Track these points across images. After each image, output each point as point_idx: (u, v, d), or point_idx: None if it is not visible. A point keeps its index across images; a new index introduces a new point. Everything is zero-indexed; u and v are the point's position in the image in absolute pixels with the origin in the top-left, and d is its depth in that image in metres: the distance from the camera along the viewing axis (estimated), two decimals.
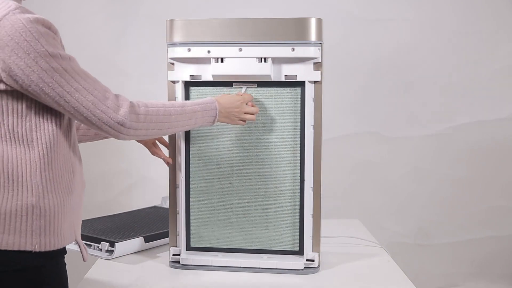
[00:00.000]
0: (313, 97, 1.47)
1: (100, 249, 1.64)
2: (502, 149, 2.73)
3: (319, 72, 1.46)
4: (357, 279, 1.46)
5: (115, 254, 1.61)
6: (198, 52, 1.46)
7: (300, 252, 1.54)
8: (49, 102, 1.10)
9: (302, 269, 1.49)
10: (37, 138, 1.12)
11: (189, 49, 1.46)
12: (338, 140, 2.71)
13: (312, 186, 1.49)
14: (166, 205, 2.11)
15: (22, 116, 1.11)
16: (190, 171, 1.54)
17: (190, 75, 1.49)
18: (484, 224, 2.75)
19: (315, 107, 1.47)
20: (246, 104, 1.47)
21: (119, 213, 2.03)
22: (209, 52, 1.45)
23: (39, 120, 1.12)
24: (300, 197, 1.51)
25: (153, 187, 2.64)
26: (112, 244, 1.62)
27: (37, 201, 1.11)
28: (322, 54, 1.46)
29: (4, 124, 1.10)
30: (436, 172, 2.73)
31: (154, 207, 2.16)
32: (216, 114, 1.39)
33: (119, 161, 2.73)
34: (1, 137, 1.11)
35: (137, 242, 1.67)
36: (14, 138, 1.10)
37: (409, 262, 2.53)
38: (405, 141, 2.73)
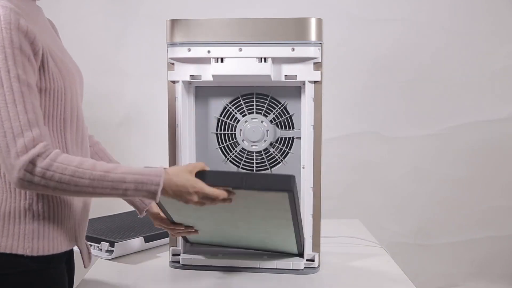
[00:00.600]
0: (313, 97, 1.46)
1: (100, 249, 1.64)
2: (502, 149, 2.72)
3: (319, 72, 1.46)
4: (357, 279, 1.46)
5: (115, 254, 1.61)
6: (198, 52, 1.46)
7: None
8: None
9: (302, 269, 1.49)
10: None
11: (189, 49, 1.46)
12: (338, 140, 2.71)
13: (312, 186, 1.48)
14: None
15: None
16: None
17: (190, 75, 1.49)
18: (484, 224, 2.74)
19: (315, 107, 1.46)
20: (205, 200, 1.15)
21: (119, 213, 2.03)
22: (209, 52, 1.45)
23: None
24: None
25: None
26: (112, 244, 1.62)
27: (30, 204, 1.09)
28: (322, 54, 1.46)
29: None
30: (436, 172, 2.73)
31: None
32: (156, 191, 1.08)
33: (119, 160, 2.72)
34: None
35: (137, 242, 1.67)
36: None
37: (409, 262, 2.53)
38: (405, 141, 2.73)
